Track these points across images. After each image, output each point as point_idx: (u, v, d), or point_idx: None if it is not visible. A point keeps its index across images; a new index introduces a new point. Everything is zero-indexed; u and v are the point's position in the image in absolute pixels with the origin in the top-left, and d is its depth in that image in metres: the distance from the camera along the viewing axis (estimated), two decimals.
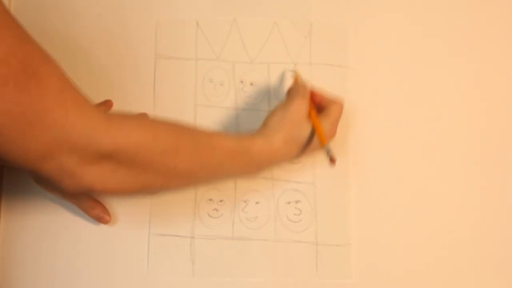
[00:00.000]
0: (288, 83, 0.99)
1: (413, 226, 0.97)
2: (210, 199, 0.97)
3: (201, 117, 0.99)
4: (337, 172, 0.98)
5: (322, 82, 1.00)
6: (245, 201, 0.97)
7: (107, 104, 0.98)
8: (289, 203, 0.97)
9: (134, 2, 1.01)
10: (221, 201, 0.97)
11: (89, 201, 0.93)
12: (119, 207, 0.95)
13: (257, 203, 0.97)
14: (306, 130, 0.88)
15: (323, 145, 0.87)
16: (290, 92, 0.92)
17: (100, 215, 0.93)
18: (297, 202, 0.97)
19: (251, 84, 1.00)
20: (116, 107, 0.99)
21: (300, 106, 0.89)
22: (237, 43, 1.00)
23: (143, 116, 0.80)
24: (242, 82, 1.00)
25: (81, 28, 1.00)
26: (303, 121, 0.88)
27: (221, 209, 0.97)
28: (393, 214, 0.97)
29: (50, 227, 0.95)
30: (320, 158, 0.98)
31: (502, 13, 1.02)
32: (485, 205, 0.98)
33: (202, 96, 0.99)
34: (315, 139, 0.89)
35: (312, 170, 0.98)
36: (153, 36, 1.00)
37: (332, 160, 0.86)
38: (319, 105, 0.93)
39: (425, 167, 0.99)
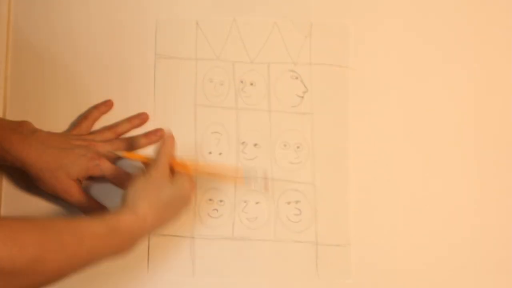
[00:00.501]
0: (288, 83, 1.00)
1: (413, 226, 0.97)
2: (210, 199, 0.97)
3: (201, 117, 0.99)
4: (337, 172, 0.98)
5: (322, 82, 1.00)
6: (245, 201, 0.97)
7: (107, 104, 0.98)
8: (289, 203, 0.97)
9: (134, 2, 1.01)
10: (221, 201, 0.97)
11: (89, 202, 0.93)
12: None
13: (257, 203, 0.97)
14: (169, 190, 0.86)
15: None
16: (149, 165, 0.89)
17: None
18: (297, 202, 0.97)
19: (251, 84, 1.00)
20: (116, 107, 0.99)
21: (160, 170, 0.86)
22: (237, 43, 1.00)
23: (6, 224, 0.72)
24: (242, 82, 1.00)
25: (81, 28, 1.00)
26: (165, 182, 0.86)
27: (221, 209, 0.97)
28: (392, 214, 0.97)
29: None
30: (320, 158, 0.98)
31: (502, 16, 1.02)
32: (485, 206, 0.98)
33: (202, 96, 0.99)
34: (181, 195, 0.87)
35: (312, 170, 0.98)
36: (153, 36, 1.00)
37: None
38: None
39: (425, 167, 0.99)
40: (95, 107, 0.98)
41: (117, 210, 0.83)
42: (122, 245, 0.82)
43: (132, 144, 0.96)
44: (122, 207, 0.84)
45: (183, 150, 0.98)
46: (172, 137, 0.90)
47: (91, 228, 0.78)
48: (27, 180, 0.93)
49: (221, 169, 0.90)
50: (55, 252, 0.73)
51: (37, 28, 1.00)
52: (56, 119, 0.98)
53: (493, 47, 1.02)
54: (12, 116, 0.97)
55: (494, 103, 1.00)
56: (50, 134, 0.93)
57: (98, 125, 0.98)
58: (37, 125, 0.94)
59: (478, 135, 0.99)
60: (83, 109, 0.98)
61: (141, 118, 0.98)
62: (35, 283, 0.72)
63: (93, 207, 0.93)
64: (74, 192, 0.92)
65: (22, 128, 0.91)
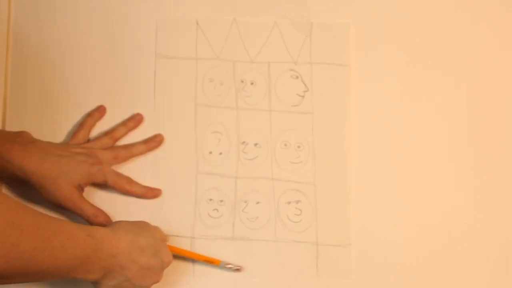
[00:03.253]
0: (288, 83, 0.99)
1: (414, 226, 0.97)
2: (210, 199, 0.97)
3: (201, 117, 0.99)
4: (338, 172, 0.98)
5: (322, 81, 1.00)
6: (245, 201, 0.97)
7: (100, 110, 0.98)
8: (289, 203, 0.97)
9: (134, 2, 1.00)
10: (221, 201, 0.97)
11: (91, 210, 0.93)
12: (119, 207, 0.96)
13: (257, 203, 0.97)
14: (149, 240, 0.88)
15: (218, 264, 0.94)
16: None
17: (103, 224, 0.93)
18: (297, 202, 0.97)
19: (252, 83, 1.00)
20: (117, 107, 0.99)
21: (148, 225, 0.91)
22: (237, 43, 1.00)
23: None
24: (242, 81, 1.00)
25: (81, 28, 1.00)
26: (146, 229, 0.89)
27: (221, 209, 0.97)
28: (393, 214, 0.97)
29: None
30: (320, 157, 0.98)
31: (503, 15, 1.02)
32: (487, 207, 0.98)
33: (202, 95, 0.99)
34: (155, 250, 0.88)
35: (312, 170, 0.98)
36: (153, 36, 1.00)
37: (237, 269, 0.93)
38: None
39: (426, 167, 0.98)
40: (89, 115, 0.98)
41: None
42: (93, 254, 0.81)
43: (131, 151, 0.97)
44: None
45: (183, 150, 0.98)
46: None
47: (68, 227, 0.79)
48: (28, 190, 0.93)
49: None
50: (31, 227, 0.72)
51: (37, 29, 1.00)
52: (56, 119, 0.98)
53: (496, 45, 1.01)
54: (12, 118, 0.97)
55: (495, 104, 1.00)
56: (49, 143, 0.93)
57: (98, 124, 0.99)
58: (38, 125, 0.95)
59: (479, 135, 0.99)
60: (83, 108, 0.98)
61: (136, 120, 0.98)
62: (4, 257, 0.69)
63: (95, 214, 0.93)
64: (76, 199, 0.92)
65: (21, 138, 0.91)
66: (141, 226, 0.89)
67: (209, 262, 0.94)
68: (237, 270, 0.94)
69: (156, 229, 0.91)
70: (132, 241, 0.86)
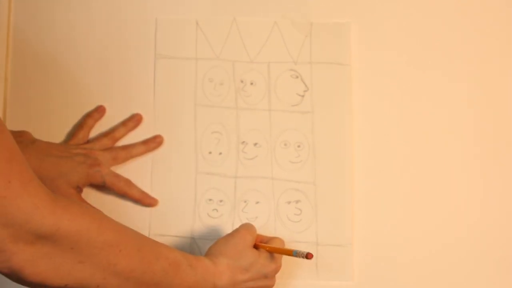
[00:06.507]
0: (288, 83, 0.99)
1: (416, 226, 0.97)
2: (210, 199, 0.97)
3: (201, 117, 0.99)
4: (338, 171, 0.98)
5: (322, 80, 0.99)
6: (245, 201, 0.97)
7: (99, 110, 0.98)
8: (289, 202, 0.97)
9: (134, 2, 1.01)
10: (221, 201, 0.97)
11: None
12: (119, 207, 0.96)
13: (257, 203, 0.97)
14: (249, 259, 0.87)
15: (291, 253, 0.88)
16: (239, 226, 0.91)
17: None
18: (297, 201, 0.97)
19: (251, 83, 1.00)
20: (116, 107, 0.99)
21: (244, 237, 0.88)
22: (237, 43, 1.00)
23: (88, 205, 0.77)
24: (242, 81, 1.00)
25: (81, 29, 1.00)
26: (246, 250, 0.87)
27: (220, 209, 0.97)
28: (395, 214, 0.97)
29: None
30: (320, 157, 0.98)
31: (503, 15, 1.02)
32: (488, 207, 0.97)
33: (202, 95, 0.99)
34: (258, 266, 0.87)
35: (312, 170, 0.98)
36: (153, 35, 1.00)
37: (308, 256, 0.86)
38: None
39: (427, 166, 0.98)
40: (89, 115, 0.98)
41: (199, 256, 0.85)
42: (193, 284, 0.82)
43: (131, 152, 0.97)
44: (204, 256, 0.86)
45: (182, 150, 0.98)
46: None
47: (170, 252, 0.80)
48: None
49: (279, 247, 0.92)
50: (132, 249, 0.75)
51: (37, 28, 1.00)
52: (56, 119, 0.99)
53: (496, 45, 1.01)
54: (12, 118, 0.98)
55: (497, 104, 1.00)
56: (49, 143, 0.93)
57: (98, 124, 0.99)
58: (38, 125, 0.95)
59: (481, 136, 0.99)
60: (83, 109, 0.99)
61: (135, 120, 0.98)
62: (102, 273, 0.72)
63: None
64: None
65: (22, 138, 0.91)
66: (238, 243, 0.88)
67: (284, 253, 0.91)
68: (308, 256, 0.87)
69: (248, 233, 0.90)
70: (233, 266, 0.86)
